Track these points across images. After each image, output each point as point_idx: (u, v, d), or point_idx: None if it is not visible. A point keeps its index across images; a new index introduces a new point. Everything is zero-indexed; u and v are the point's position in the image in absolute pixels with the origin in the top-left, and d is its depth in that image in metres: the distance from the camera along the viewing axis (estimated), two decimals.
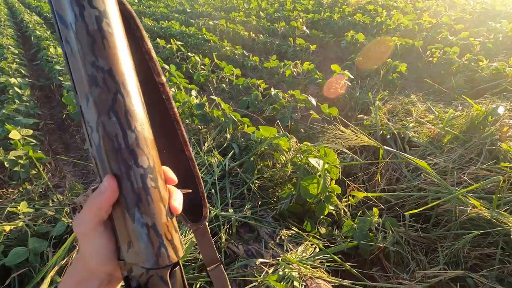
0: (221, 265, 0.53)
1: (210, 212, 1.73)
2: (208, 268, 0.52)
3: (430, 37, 4.64)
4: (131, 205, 0.33)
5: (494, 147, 1.83)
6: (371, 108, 2.77)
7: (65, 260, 1.52)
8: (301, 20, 6.31)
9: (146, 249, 0.33)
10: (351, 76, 3.24)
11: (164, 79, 0.41)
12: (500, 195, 1.51)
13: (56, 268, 1.46)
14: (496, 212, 1.34)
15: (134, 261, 0.34)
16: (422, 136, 2.19)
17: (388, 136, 2.39)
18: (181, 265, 0.37)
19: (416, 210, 1.43)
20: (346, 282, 1.24)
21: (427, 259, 1.45)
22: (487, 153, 1.83)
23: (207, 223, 0.53)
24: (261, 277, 1.24)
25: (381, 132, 2.42)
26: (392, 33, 5.05)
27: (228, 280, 0.53)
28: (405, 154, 1.64)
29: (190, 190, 0.47)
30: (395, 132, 2.35)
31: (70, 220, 1.76)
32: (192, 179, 0.48)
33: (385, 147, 1.67)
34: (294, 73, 3.74)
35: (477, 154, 1.84)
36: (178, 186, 0.40)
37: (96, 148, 0.32)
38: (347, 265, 1.30)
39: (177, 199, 0.37)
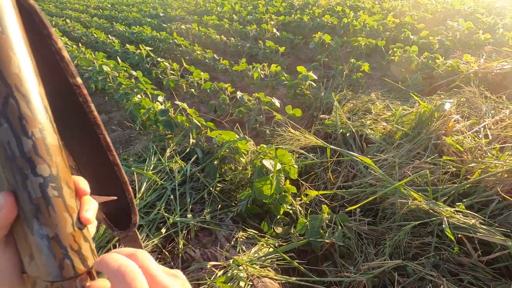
0: None
1: (168, 219, 1.74)
2: None
3: (393, 36, 4.82)
4: (29, 217, 0.31)
5: (439, 141, 1.94)
6: (334, 107, 2.86)
7: None
8: (272, 22, 6.40)
9: (47, 262, 0.31)
10: (315, 77, 3.33)
11: (79, 80, 0.38)
12: (439, 187, 1.60)
13: None
14: (432, 203, 1.42)
15: (36, 274, 0.32)
16: (377, 133, 2.29)
17: (348, 134, 2.48)
18: (94, 273, 0.37)
19: (360, 204, 1.50)
20: (293, 279, 1.28)
21: (375, 251, 1.52)
22: (433, 148, 1.93)
23: (136, 230, 0.52)
24: (211, 279, 1.27)
25: (341, 130, 2.51)
26: (358, 33, 5.21)
27: None
28: (350, 152, 1.72)
29: (115, 198, 0.46)
30: (354, 131, 2.44)
31: None
32: (118, 185, 0.46)
33: (331, 147, 1.74)
34: (262, 75, 3.80)
35: (423, 149, 1.95)
36: (103, 193, 0.40)
37: None
38: (295, 262, 1.35)
39: (90, 210, 0.35)
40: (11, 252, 0.33)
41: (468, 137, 1.96)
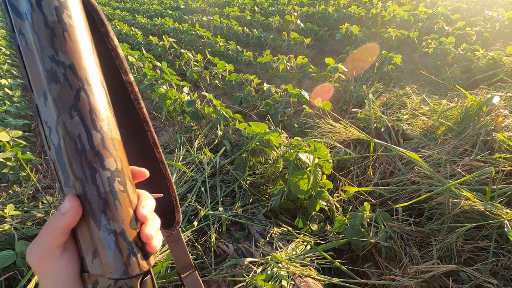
0: (196, 271, 0.51)
1: (200, 212, 1.69)
2: (182, 275, 0.50)
3: (426, 27, 4.57)
4: (97, 211, 0.30)
5: (488, 138, 1.79)
6: (365, 101, 2.73)
7: None
8: (295, 13, 6.23)
9: (114, 259, 0.30)
10: (345, 69, 3.19)
11: (132, 77, 0.38)
12: (494, 186, 1.47)
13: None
14: (489, 204, 1.30)
15: (100, 272, 0.31)
16: (416, 128, 2.15)
17: (382, 129, 2.35)
18: (152, 273, 0.35)
19: (407, 203, 1.40)
20: (336, 280, 1.21)
21: (421, 254, 1.41)
22: (482, 144, 1.79)
23: (179, 229, 0.50)
24: (250, 276, 1.21)
25: (375, 125, 2.38)
26: (387, 24, 4.98)
27: (203, 287, 0.50)
28: (396, 147, 1.60)
29: (162, 195, 0.45)
30: (389, 125, 2.31)
31: None
32: (164, 183, 0.45)
33: (376, 140, 1.63)
34: (288, 67, 3.69)
35: (471, 145, 1.80)
36: (148, 190, 0.38)
37: (55, 150, 0.30)
38: (337, 262, 1.27)
39: (147, 206, 0.34)
40: (68, 257, 0.32)
41: None
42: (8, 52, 5.49)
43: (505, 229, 1.19)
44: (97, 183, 0.30)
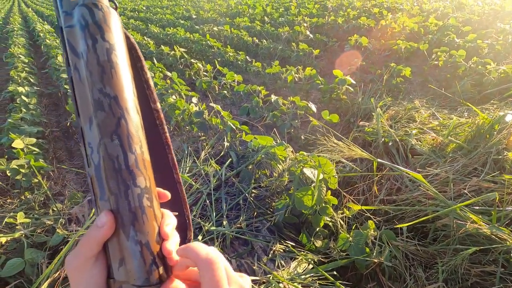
0: None
1: (203, 226, 1.71)
2: None
3: (436, 40, 4.54)
4: (127, 223, 0.34)
5: (500, 157, 1.76)
6: (373, 114, 2.72)
7: (58, 272, 1.53)
8: (305, 24, 6.28)
9: (138, 267, 0.34)
10: (353, 82, 3.19)
11: (159, 106, 0.45)
12: (501, 208, 1.44)
13: (49, 280, 1.46)
14: (495, 228, 1.27)
15: (124, 279, 0.34)
16: (425, 144, 2.12)
17: (390, 144, 2.33)
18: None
19: (410, 223, 1.38)
20: None
21: (426, 275, 1.39)
22: (492, 163, 1.75)
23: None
24: None
25: (383, 139, 2.37)
26: (397, 36, 4.97)
27: None
28: (400, 167, 1.59)
29: (177, 213, 0.49)
30: (397, 140, 2.29)
31: (65, 231, 1.77)
32: (179, 202, 0.50)
33: (379, 160, 1.62)
34: (296, 78, 3.71)
35: (481, 165, 1.77)
36: (165, 208, 0.42)
37: (95, 168, 0.34)
38: (338, 283, 1.26)
39: (169, 224, 0.38)
40: (98, 266, 0.35)
41: None
42: (27, 60, 5.70)
43: (511, 254, 1.16)
44: (129, 198, 0.34)
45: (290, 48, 5.04)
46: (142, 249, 0.34)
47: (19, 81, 4.60)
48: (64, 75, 4.34)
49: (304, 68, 3.95)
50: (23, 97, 3.76)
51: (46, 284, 1.44)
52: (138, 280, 0.34)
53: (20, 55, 5.81)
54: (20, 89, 4.00)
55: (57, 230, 1.74)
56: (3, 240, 1.66)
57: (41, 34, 7.80)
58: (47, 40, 6.79)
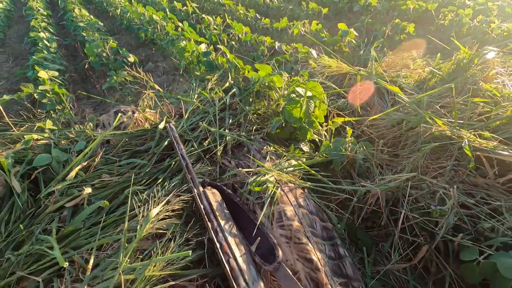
0: None
1: (209, 131, 1.97)
2: None
3: (446, 0, 4.52)
4: None
5: (475, 87, 1.93)
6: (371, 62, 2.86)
7: (86, 162, 1.81)
8: None
9: None
10: (356, 34, 3.31)
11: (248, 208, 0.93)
12: (468, 122, 1.64)
13: (79, 166, 1.74)
14: (455, 129, 1.48)
15: None
16: (411, 81, 2.29)
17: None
18: None
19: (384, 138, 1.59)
20: (308, 184, 1.45)
21: (391, 174, 1.62)
22: (467, 92, 1.93)
23: (287, 269, 0.81)
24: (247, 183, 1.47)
25: (375, 80, 2.54)
26: None
27: None
28: (380, 80, 1.78)
29: (259, 238, 0.89)
30: (388, 80, 2.46)
31: (94, 132, 2.05)
32: (262, 234, 0.90)
33: (361, 72, 1.81)
34: (302, 32, 3.83)
35: (458, 93, 1.94)
36: (253, 239, 0.80)
37: None
38: (312, 171, 1.51)
39: None
40: None
41: (510, 87, 1.91)
42: (45, 13, 5.92)
43: (462, 144, 1.37)
44: None
45: (300, 8, 5.09)
46: None
47: (40, 29, 4.84)
48: (81, 24, 4.55)
49: (310, 23, 4.04)
50: (44, 41, 4.02)
51: (77, 168, 1.72)
52: None
53: (39, 8, 6.02)
54: (42, 34, 4.24)
55: (86, 130, 2.03)
56: (35, 136, 1.96)
57: None
58: None
